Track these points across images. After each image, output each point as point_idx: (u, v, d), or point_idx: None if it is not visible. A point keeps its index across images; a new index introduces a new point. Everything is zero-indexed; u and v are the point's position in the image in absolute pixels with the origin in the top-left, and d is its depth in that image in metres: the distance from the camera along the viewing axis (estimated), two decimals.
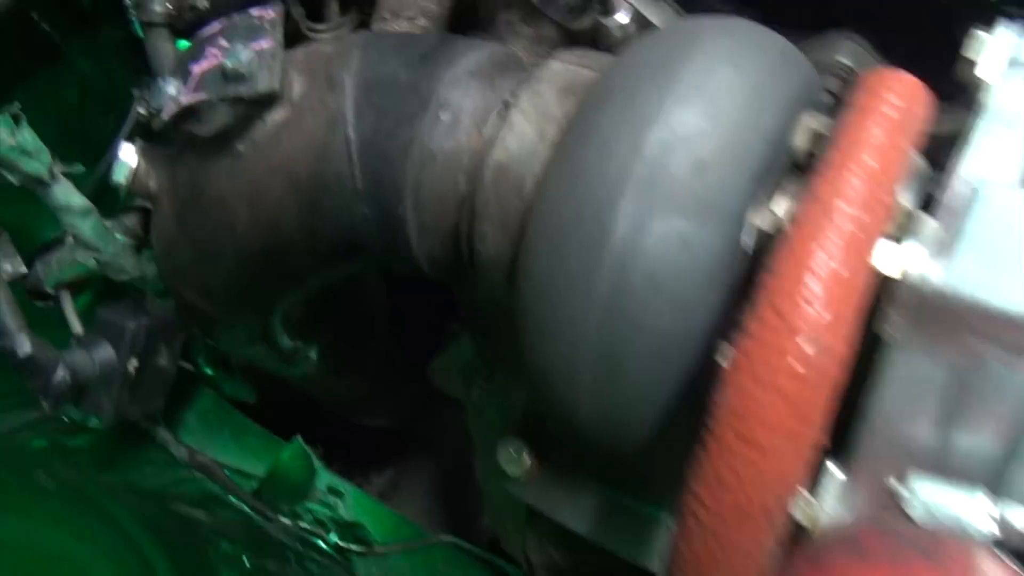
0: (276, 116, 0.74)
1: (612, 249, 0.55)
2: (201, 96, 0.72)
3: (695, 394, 0.60)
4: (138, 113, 1.08)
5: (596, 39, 0.85)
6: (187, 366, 1.24)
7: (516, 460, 0.81)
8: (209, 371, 1.29)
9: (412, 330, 1.25)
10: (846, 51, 0.84)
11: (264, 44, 0.72)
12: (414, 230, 0.72)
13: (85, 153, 1.12)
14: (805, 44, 0.86)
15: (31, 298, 1.11)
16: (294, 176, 0.74)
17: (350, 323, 1.11)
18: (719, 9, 0.90)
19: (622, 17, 0.72)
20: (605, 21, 0.69)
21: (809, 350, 0.41)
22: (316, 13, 1.30)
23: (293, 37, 1.22)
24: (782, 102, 0.57)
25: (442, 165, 0.70)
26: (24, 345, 0.81)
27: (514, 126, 0.66)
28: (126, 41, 1.13)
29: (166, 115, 0.75)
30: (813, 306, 0.41)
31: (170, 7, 0.97)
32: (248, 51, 0.71)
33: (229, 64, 0.71)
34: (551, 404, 0.64)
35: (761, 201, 0.56)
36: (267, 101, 0.73)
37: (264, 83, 0.71)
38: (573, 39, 0.97)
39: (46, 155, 0.81)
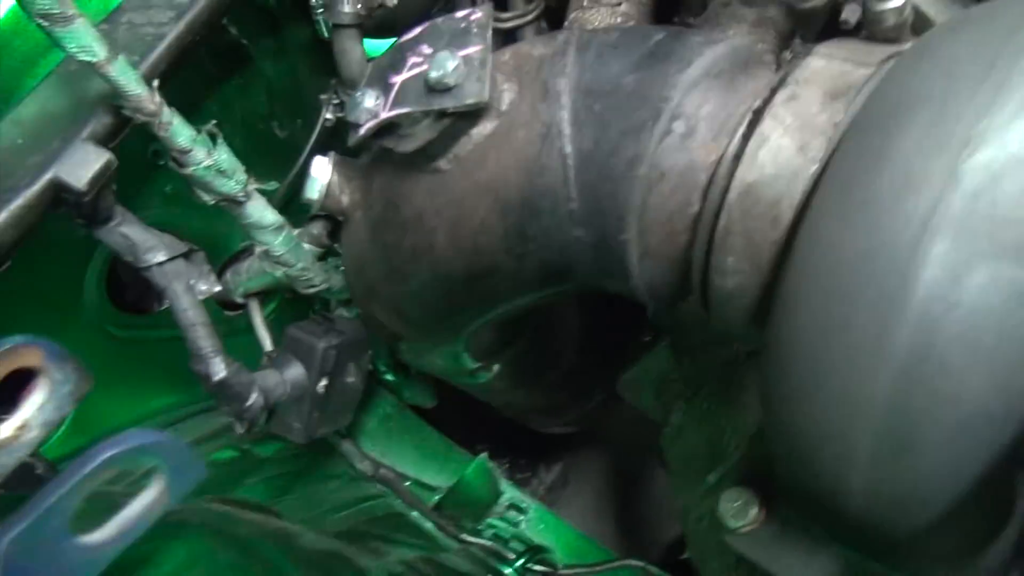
0: (483, 129, 0.67)
1: (916, 302, 0.44)
2: (403, 110, 0.66)
3: (1000, 470, 0.49)
4: (325, 119, 1.05)
5: (839, 25, 0.72)
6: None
7: (741, 512, 0.71)
8: (390, 376, 1.26)
9: (599, 341, 1.17)
10: None
11: (472, 50, 0.64)
12: (636, 255, 0.64)
13: (273, 159, 1.10)
14: None
15: (220, 307, 1.11)
16: (501, 195, 0.66)
17: (538, 342, 1.04)
18: None
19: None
20: (875, 4, 0.57)
21: None
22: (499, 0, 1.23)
23: None
24: None
25: (674, 184, 0.61)
26: (220, 370, 0.79)
27: (767, 138, 0.56)
28: (311, 42, 1.10)
29: (364, 130, 0.69)
30: None
31: (359, 7, 0.92)
32: (454, 58, 0.63)
33: (433, 74, 0.64)
34: (809, 472, 0.54)
35: None
36: (475, 114, 0.66)
37: (472, 94, 0.63)
38: (803, 23, 0.85)
39: (241, 173, 0.78)
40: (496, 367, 1.05)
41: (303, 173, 1.07)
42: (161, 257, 0.76)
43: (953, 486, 0.48)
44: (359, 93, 0.69)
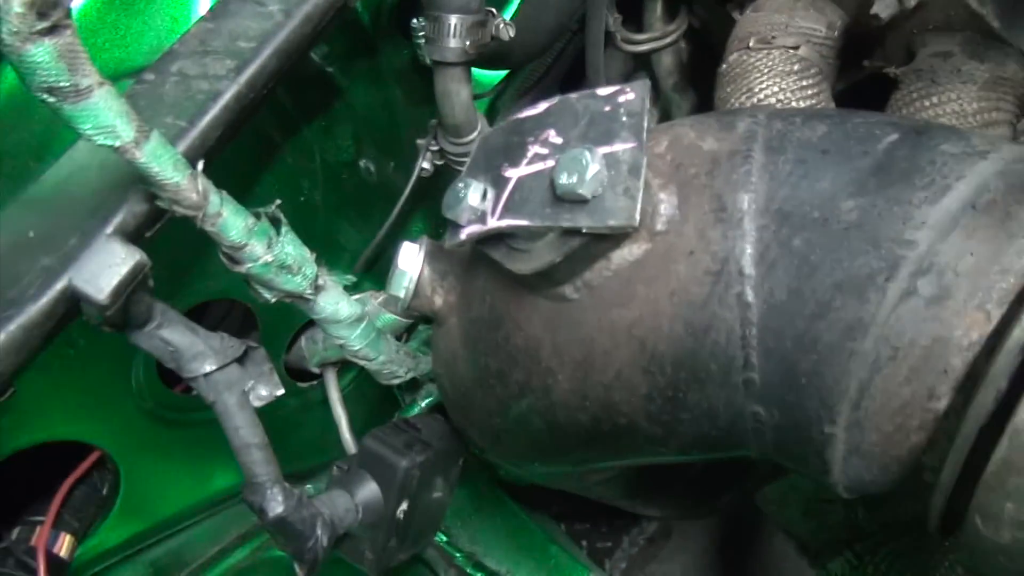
0: (628, 254, 0.48)
1: None
2: (518, 222, 0.48)
3: None
4: (422, 168, 0.88)
5: None
6: None
7: None
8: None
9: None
10: None
11: (619, 147, 0.46)
12: (840, 453, 0.44)
13: (358, 210, 0.94)
14: None
15: (292, 377, 0.97)
16: (649, 346, 0.48)
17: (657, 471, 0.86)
18: None
19: None
20: None
21: None
22: (634, 16, 1.04)
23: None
24: None
25: (911, 366, 0.41)
26: (277, 504, 0.63)
27: None
28: (409, 68, 0.93)
29: (465, 235, 0.52)
30: None
31: (467, 43, 0.75)
32: (594, 160, 0.45)
33: (564, 179, 0.46)
34: None
35: None
36: (618, 236, 0.47)
37: (617, 213, 0.45)
38: None
39: (310, 265, 0.62)
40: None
41: (394, 232, 0.92)
42: (209, 366, 0.61)
43: None
44: (462, 184, 0.52)
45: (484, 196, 0.51)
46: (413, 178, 0.86)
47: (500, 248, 0.51)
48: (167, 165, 0.50)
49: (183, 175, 0.51)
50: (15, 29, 0.41)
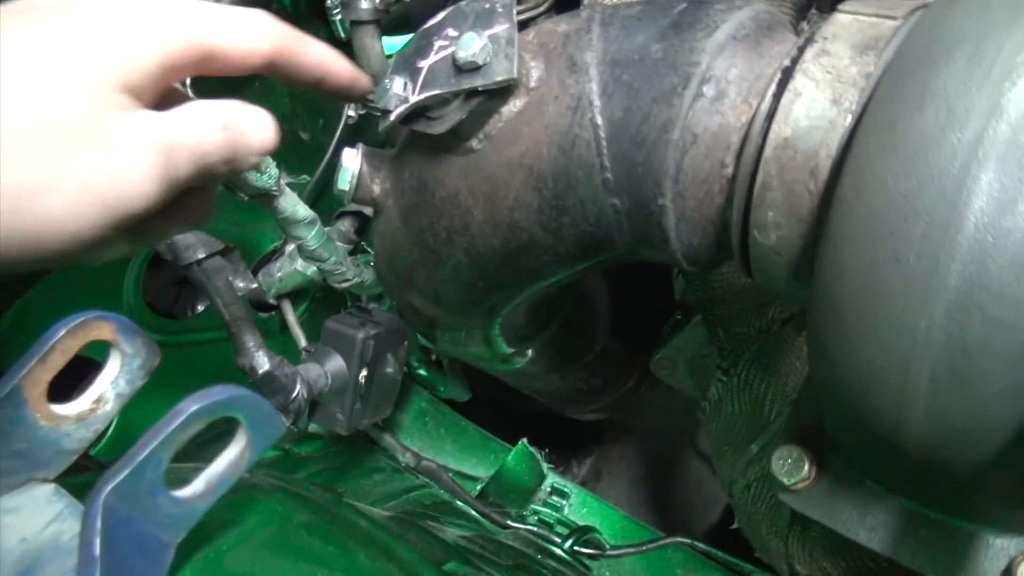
0: (513, 106, 0.67)
1: (967, 232, 0.44)
2: (432, 92, 0.67)
3: None
4: (348, 116, 1.06)
5: None
6: None
7: (794, 469, 0.71)
8: (423, 372, 1.27)
9: (629, 324, 1.18)
10: None
11: (498, 29, 0.65)
12: (672, 221, 0.64)
13: (299, 159, 1.12)
14: None
15: (254, 309, 1.13)
16: (535, 170, 0.67)
17: (570, 326, 1.05)
18: None
19: None
20: None
21: None
22: None
23: None
24: None
25: (707, 146, 0.61)
26: (264, 363, 0.80)
27: (800, 93, 0.56)
28: (329, 42, 1.11)
29: (395, 115, 0.70)
30: None
31: (377, 2, 0.93)
32: (481, 38, 0.64)
33: (461, 54, 0.65)
34: (865, 413, 0.54)
35: None
36: (504, 91, 0.66)
37: (501, 72, 0.64)
38: None
39: (273, 168, 0.79)
40: (530, 352, 1.06)
41: (330, 171, 1.09)
42: (200, 255, 0.78)
43: (1014, 413, 0.48)
44: (387, 80, 0.70)
45: (404, 86, 0.70)
46: (341, 124, 1.04)
47: (420, 121, 0.70)
48: None
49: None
50: None
